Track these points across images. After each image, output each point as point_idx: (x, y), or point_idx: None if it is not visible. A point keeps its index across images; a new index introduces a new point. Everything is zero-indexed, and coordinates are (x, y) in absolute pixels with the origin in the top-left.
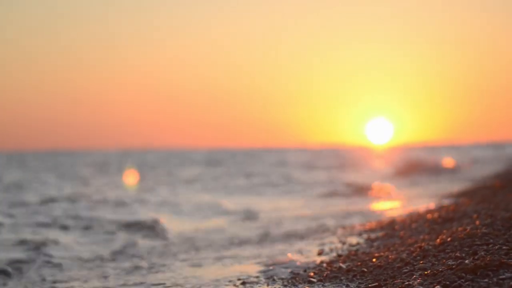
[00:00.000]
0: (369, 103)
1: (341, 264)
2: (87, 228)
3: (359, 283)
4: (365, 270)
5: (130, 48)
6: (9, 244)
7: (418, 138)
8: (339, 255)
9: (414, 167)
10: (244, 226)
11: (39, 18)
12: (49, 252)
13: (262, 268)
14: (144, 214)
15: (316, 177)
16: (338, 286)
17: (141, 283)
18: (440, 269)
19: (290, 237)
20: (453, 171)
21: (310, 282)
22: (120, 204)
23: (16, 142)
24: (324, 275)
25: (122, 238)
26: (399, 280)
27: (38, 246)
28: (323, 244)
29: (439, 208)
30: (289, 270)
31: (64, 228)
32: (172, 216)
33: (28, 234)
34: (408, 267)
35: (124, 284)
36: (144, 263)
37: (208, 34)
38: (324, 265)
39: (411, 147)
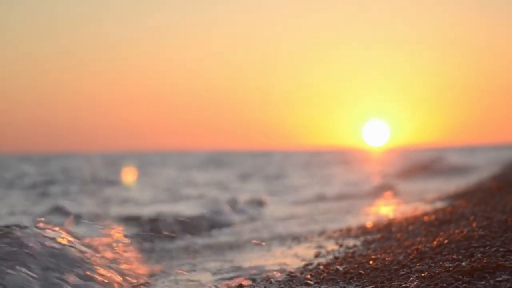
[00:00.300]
0: (367, 105)
1: (338, 267)
2: None
3: (356, 285)
4: (362, 272)
5: (130, 50)
6: None
7: (415, 140)
8: (336, 258)
9: (412, 169)
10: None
11: (37, 21)
12: None
13: (258, 270)
14: None
15: (310, 179)
16: None
17: None
18: (437, 272)
19: (286, 239)
20: (451, 173)
21: (307, 284)
22: None
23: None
24: (321, 277)
25: None
26: (396, 283)
27: None
28: (320, 247)
29: (436, 210)
30: (285, 273)
31: None
32: None
33: None
34: (405, 270)
35: None
36: None
37: (207, 35)
38: (321, 267)
39: (408, 149)
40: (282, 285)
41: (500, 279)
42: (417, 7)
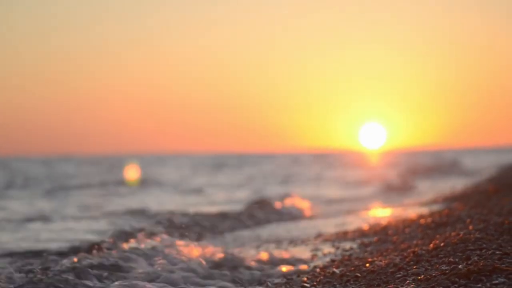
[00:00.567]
0: (363, 107)
1: (334, 269)
2: None
3: None
4: (359, 275)
5: (129, 52)
6: None
7: (412, 142)
8: (333, 260)
9: (410, 170)
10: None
11: (36, 24)
12: None
13: (255, 272)
14: None
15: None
16: None
17: None
18: (434, 274)
19: (282, 241)
20: (448, 175)
21: (304, 287)
22: None
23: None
24: (318, 280)
25: None
26: (392, 285)
27: None
28: (316, 249)
29: (433, 213)
30: (282, 275)
31: None
32: None
33: None
34: (401, 272)
35: None
36: None
37: (207, 36)
38: (317, 270)
39: (405, 152)
40: None
41: (497, 282)
42: (412, 10)
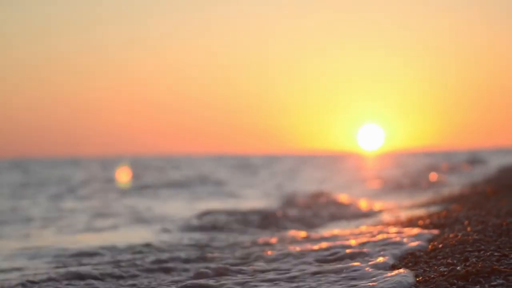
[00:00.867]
0: (361, 109)
1: None
2: None
3: None
4: None
5: (129, 54)
6: None
7: (410, 144)
8: None
9: (408, 172)
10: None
11: (35, 25)
12: None
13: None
14: None
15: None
16: None
17: None
18: (432, 276)
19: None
20: (446, 177)
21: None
22: None
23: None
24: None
25: None
26: None
27: None
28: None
29: (431, 214)
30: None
31: None
32: None
33: None
34: None
35: None
36: None
37: (206, 37)
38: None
39: (402, 153)
40: None
41: (495, 283)
42: (411, 14)
